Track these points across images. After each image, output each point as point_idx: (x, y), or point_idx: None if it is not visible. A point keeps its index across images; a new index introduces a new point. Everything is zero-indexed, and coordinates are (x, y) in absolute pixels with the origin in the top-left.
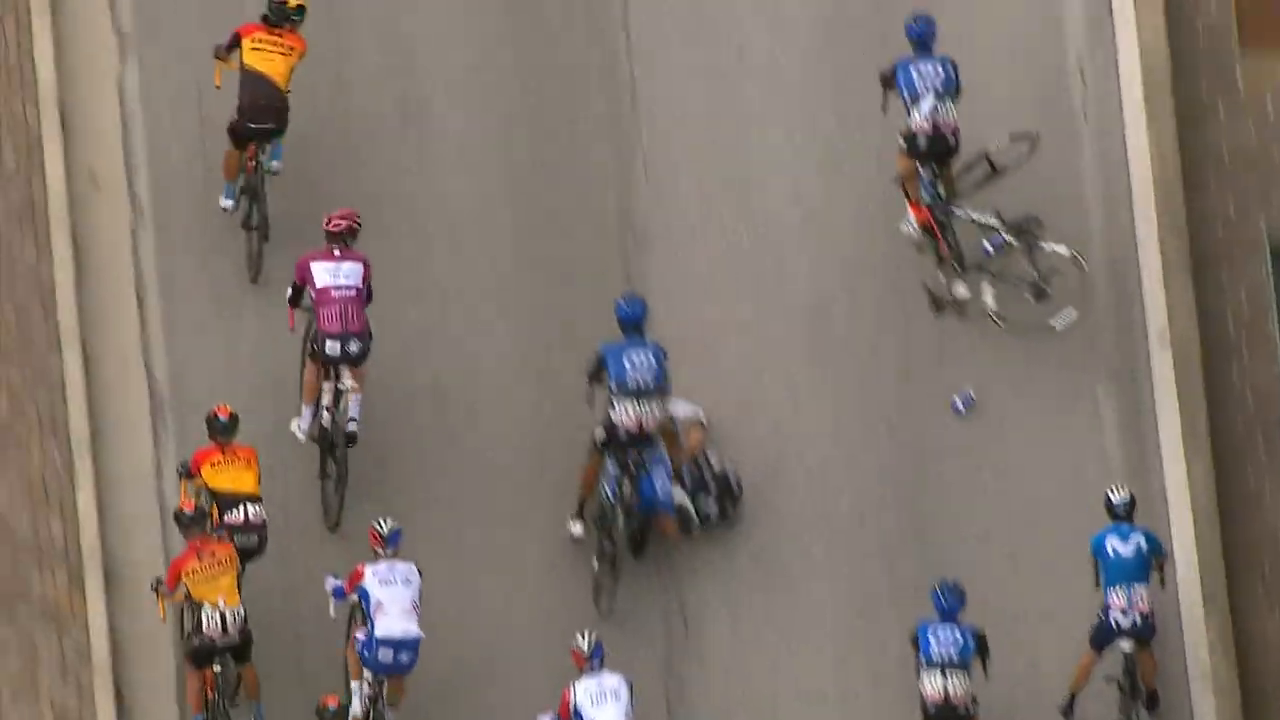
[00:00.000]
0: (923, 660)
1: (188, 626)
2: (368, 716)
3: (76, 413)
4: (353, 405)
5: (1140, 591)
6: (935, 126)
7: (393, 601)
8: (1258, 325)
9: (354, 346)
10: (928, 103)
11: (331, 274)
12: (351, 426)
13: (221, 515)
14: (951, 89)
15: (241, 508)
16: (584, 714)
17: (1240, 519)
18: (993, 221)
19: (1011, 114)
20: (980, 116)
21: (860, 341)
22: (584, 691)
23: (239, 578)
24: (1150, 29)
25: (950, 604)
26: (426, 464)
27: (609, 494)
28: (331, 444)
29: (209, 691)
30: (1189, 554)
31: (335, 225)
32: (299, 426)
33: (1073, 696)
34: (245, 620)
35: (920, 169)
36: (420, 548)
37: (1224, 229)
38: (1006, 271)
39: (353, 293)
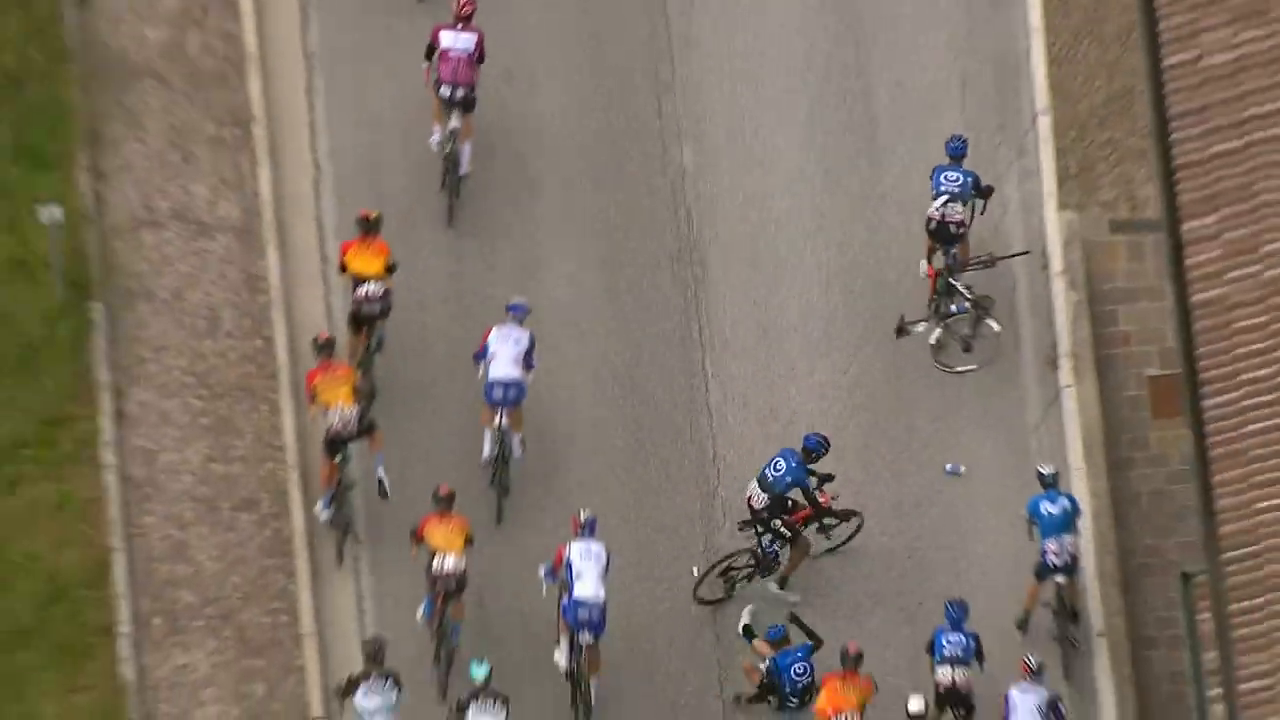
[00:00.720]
0: (935, 659)
1: (321, 424)
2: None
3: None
4: (464, 151)
5: (1067, 540)
6: (944, 217)
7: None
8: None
9: (460, 94)
10: (942, 200)
11: (452, 40)
12: (464, 163)
13: (354, 289)
14: (966, 194)
15: (366, 285)
16: (573, 566)
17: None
18: (967, 293)
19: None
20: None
21: (851, 339)
22: (575, 550)
23: (358, 382)
24: (1088, 404)
25: (958, 615)
26: None
27: None
28: (446, 168)
29: (333, 479)
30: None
31: (464, 9)
32: (433, 141)
33: (1026, 614)
34: (361, 417)
35: (937, 245)
36: None
37: (1141, 554)
38: (953, 329)
39: (465, 55)
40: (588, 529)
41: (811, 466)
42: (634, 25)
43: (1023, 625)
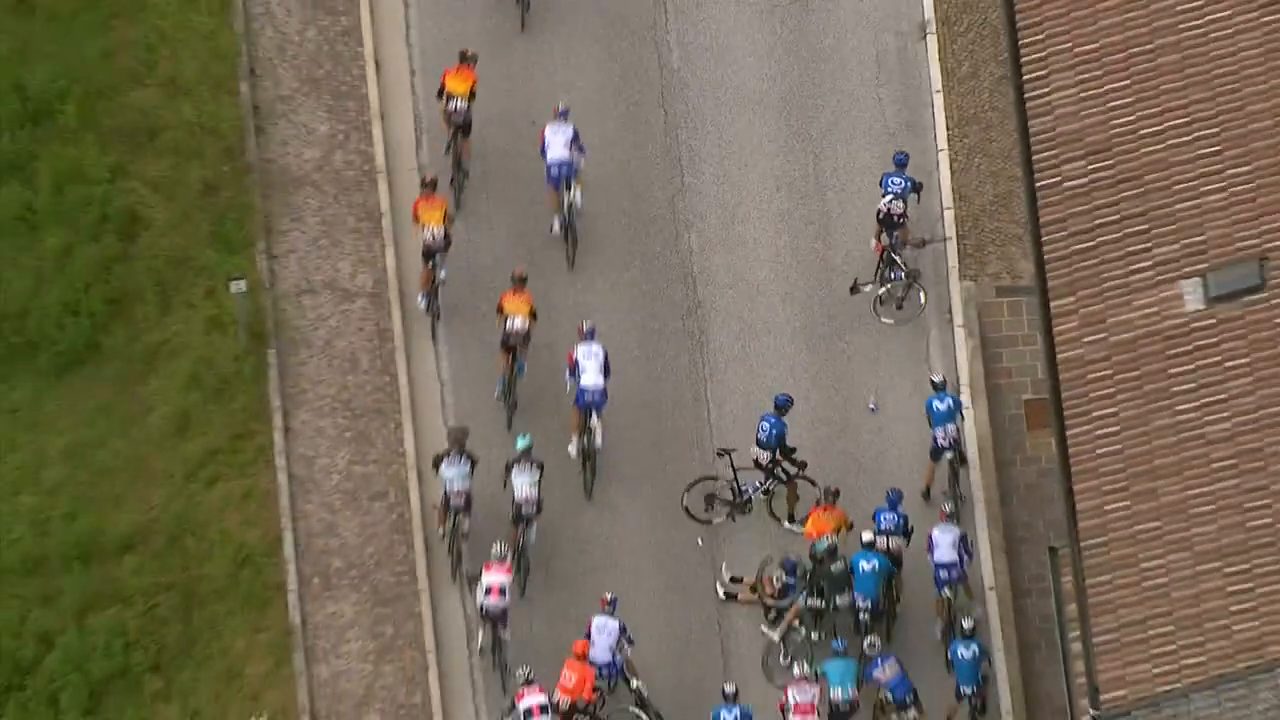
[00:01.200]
0: (876, 529)
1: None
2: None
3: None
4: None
5: (951, 428)
6: (889, 210)
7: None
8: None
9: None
10: (889, 198)
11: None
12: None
13: (444, 104)
14: (905, 193)
15: (454, 100)
16: (580, 364)
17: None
18: (904, 265)
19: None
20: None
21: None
22: (580, 351)
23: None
24: (981, 420)
25: (894, 497)
26: None
27: None
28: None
29: (429, 281)
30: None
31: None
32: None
33: (927, 487)
34: (447, 235)
35: (883, 229)
36: None
37: (1020, 529)
38: (892, 291)
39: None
40: (589, 334)
41: (784, 419)
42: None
43: (925, 494)
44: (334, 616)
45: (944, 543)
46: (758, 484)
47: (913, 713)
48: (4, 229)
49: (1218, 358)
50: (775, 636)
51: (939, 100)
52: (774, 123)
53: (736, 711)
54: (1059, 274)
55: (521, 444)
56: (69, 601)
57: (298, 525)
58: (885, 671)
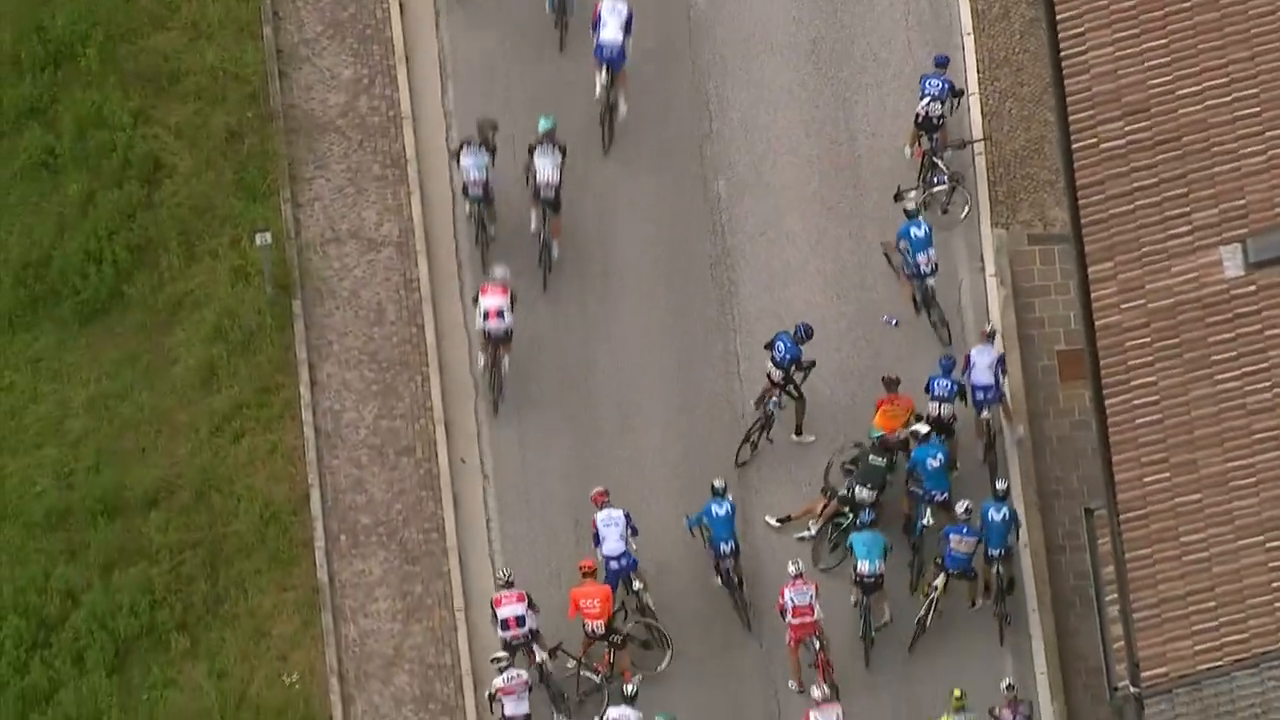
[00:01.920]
0: (930, 396)
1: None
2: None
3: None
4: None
5: (931, 252)
6: (928, 113)
7: (611, 21)
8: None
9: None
10: (927, 100)
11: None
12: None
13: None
14: (944, 96)
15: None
16: (602, 17)
17: None
18: (945, 169)
19: None
20: None
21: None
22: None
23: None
24: (1013, 372)
25: (947, 364)
26: None
27: None
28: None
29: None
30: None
31: None
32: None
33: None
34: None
35: (922, 133)
36: None
37: (1053, 484)
38: (935, 196)
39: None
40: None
41: (801, 347)
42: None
43: (917, 306)
44: (362, 575)
45: (981, 364)
46: (774, 400)
47: (965, 585)
48: (26, 174)
49: (1258, 325)
50: (812, 531)
51: (969, 43)
52: (803, 67)
53: (727, 505)
54: (1096, 238)
55: (544, 125)
56: (94, 557)
57: (324, 481)
58: (963, 544)
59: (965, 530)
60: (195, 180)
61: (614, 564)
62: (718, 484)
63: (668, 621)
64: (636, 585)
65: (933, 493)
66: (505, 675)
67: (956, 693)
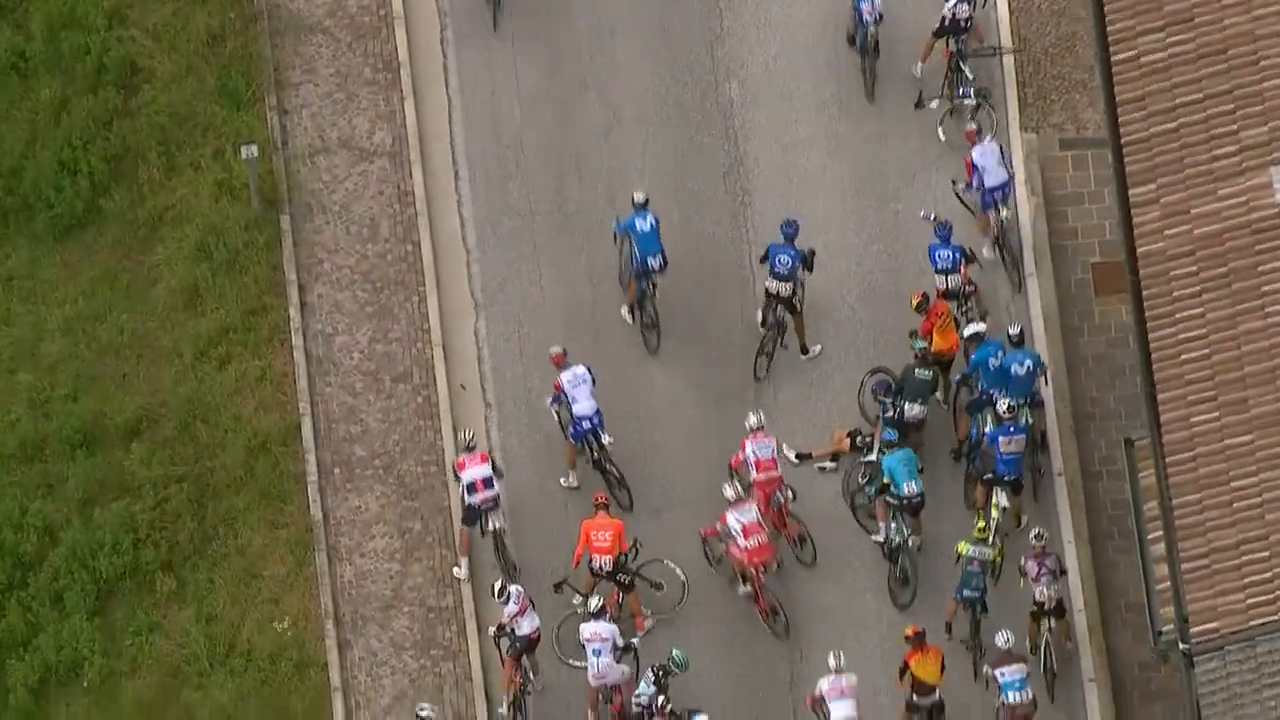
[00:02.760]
0: (934, 269)
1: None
2: None
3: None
4: None
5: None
6: (954, 15)
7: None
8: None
9: None
10: (953, 1)
11: None
12: None
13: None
14: (974, 3)
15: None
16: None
17: None
18: (970, 78)
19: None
20: None
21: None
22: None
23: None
24: (1046, 287)
25: (944, 233)
26: None
27: None
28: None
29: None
30: None
31: None
32: None
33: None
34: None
35: (951, 36)
36: None
37: (1088, 405)
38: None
39: None
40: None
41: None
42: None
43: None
44: (357, 511)
45: (990, 163)
46: (776, 312)
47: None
48: None
49: None
50: (832, 465)
51: None
52: None
53: (650, 218)
54: (1137, 158)
55: None
56: (73, 492)
57: (316, 410)
58: (1012, 443)
59: (1012, 429)
60: (175, 86)
61: (585, 424)
62: (638, 197)
63: (685, 565)
64: (607, 440)
65: (992, 392)
66: (513, 594)
67: (980, 524)
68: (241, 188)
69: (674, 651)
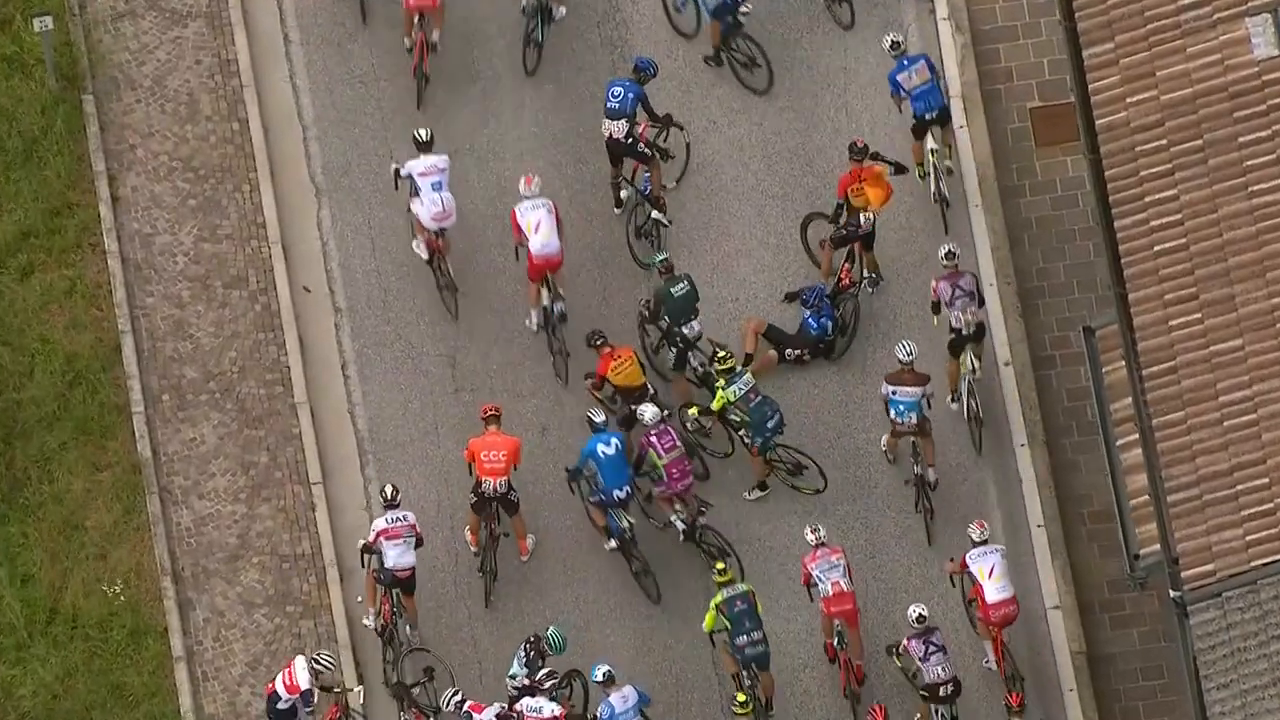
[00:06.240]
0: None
1: None
2: None
3: None
4: None
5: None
6: None
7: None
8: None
9: None
10: None
11: None
12: None
13: None
14: None
15: None
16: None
17: None
18: None
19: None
20: None
21: None
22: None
23: None
24: (979, 141)
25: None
26: None
27: None
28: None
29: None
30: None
31: None
32: None
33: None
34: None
35: None
36: None
37: (1035, 278)
38: None
39: None
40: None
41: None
42: None
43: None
44: (192, 444)
45: (915, 80)
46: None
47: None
48: None
49: None
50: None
51: None
52: None
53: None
54: (1091, 13)
55: None
56: None
57: (138, 326)
58: (913, 76)
59: (906, 62)
60: None
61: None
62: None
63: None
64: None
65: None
66: (389, 515)
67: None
68: (36, 64)
69: (550, 629)
